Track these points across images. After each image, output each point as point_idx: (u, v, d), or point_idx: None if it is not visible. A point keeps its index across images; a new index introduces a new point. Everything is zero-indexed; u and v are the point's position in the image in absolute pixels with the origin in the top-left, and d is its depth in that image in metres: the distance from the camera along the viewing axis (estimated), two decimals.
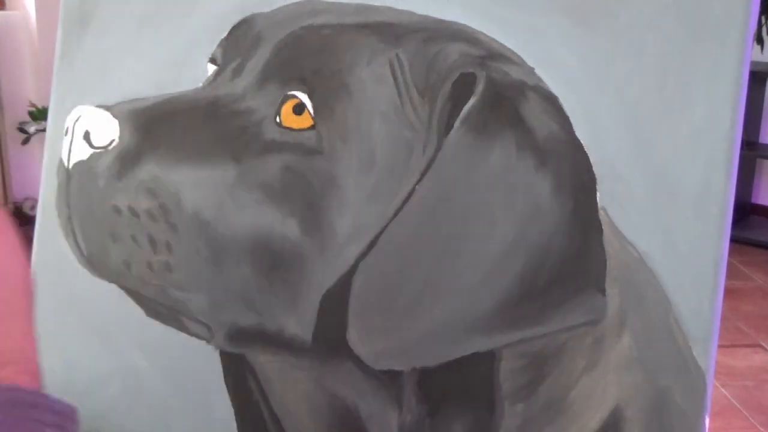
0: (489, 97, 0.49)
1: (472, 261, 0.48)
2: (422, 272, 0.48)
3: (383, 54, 0.50)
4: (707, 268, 0.51)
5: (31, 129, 3.72)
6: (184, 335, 0.52)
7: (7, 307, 0.46)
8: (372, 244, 0.48)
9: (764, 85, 4.04)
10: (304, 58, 0.50)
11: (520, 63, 0.52)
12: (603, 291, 0.50)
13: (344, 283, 0.48)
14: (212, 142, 0.49)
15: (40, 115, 3.67)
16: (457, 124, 0.48)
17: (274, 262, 0.48)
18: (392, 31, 0.51)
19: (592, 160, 0.51)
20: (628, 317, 0.52)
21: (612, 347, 0.52)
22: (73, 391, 0.55)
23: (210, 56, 0.56)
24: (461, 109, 0.48)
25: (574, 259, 0.49)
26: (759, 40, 3.58)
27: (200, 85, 0.55)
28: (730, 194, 0.50)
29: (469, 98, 0.49)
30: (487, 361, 0.50)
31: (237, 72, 0.52)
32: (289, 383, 0.54)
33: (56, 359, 0.58)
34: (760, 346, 3.01)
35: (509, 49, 0.53)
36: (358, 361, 0.49)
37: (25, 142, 3.74)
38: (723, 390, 2.62)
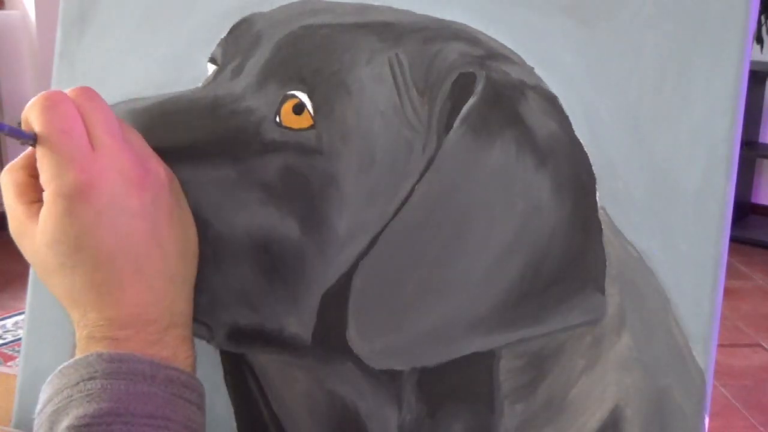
0: (489, 97, 0.49)
1: (471, 260, 0.48)
2: (422, 272, 0.48)
3: (383, 53, 0.50)
4: (707, 267, 0.51)
5: None
6: None
7: (168, 259, 0.47)
8: (372, 244, 0.48)
9: (764, 85, 4.04)
10: (304, 57, 0.50)
11: (519, 63, 0.52)
12: (602, 290, 0.50)
13: (344, 282, 0.48)
14: (212, 142, 0.49)
15: None
16: (456, 123, 0.48)
17: (273, 262, 0.48)
18: (392, 31, 0.51)
19: (591, 160, 0.51)
20: (628, 317, 0.52)
21: (611, 347, 0.52)
22: None
23: (210, 56, 0.56)
24: (461, 109, 0.48)
25: (573, 258, 0.49)
26: (759, 39, 3.58)
27: (200, 84, 0.55)
28: (729, 194, 0.50)
29: (468, 98, 0.49)
30: (486, 360, 0.50)
31: (236, 72, 0.52)
32: (288, 382, 0.54)
33: (55, 359, 0.58)
34: (760, 345, 3.02)
35: (509, 48, 0.53)
36: (357, 361, 0.49)
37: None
38: (723, 390, 2.63)
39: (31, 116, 0.46)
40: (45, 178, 0.45)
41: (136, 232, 0.45)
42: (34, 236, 0.46)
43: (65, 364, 0.45)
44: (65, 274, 0.46)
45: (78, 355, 0.45)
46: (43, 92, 0.47)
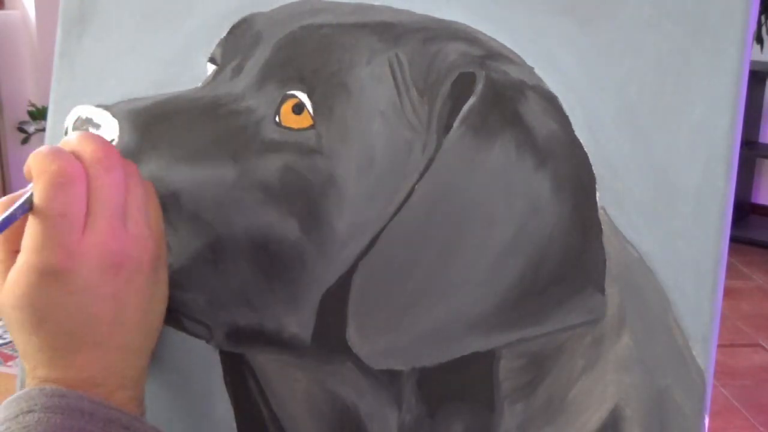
0: (488, 97, 0.49)
1: (471, 260, 0.48)
2: (422, 272, 0.48)
3: (383, 53, 0.50)
4: (707, 267, 0.50)
5: (31, 128, 3.73)
6: (183, 335, 0.52)
7: (129, 334, 0.47)
8: (371, 244, 0.48)
9: (764, 85, 4.04)
10: (304, 57, 0.50)
11: (519, 62, 0.52)
12: (602, 290, 0.50)
13: (344, 282, 0.48)
14: (211, 142, 0.49)
15: (39, 114, 3.68)
16: (456, 123, 0.48)
17: (273, 262, 0.48)
18: (392, 31, 0.51)
19: (591, 160, 0.51)
20: (628, 317, 0.52)
21: (611, 347, 0.52)
22: None
23: (209, 56, 0.56)
24: (461, 109, 0.48)
25: (573, 258, 0.49)
26: (759, 39, 3.58)
27: (200, 84, 0.55)
28: (730, 194, 0.50)
29: (468, 98, 0.49)
30: (486, 360, 0.50)
31: (236, 71, 0.52)
32: (288, 383, 0.54)
33: None
34: (760, 345, 3.02)
35: (509, 48, 0.53)
36: (357, 361, 0.49)
37: (25, 141, 3.74)
38: (723, 390, 2.63)
39: (37, 182, 0.44)
40: (26, 244, 0.44)
41: (101, 315, 0.45)
42: (1, 285, 0.45)
43: (11, 397, 0.45)
44: (22, 332, 0.46)
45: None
46: (60, 161, 0.44)
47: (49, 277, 0.44)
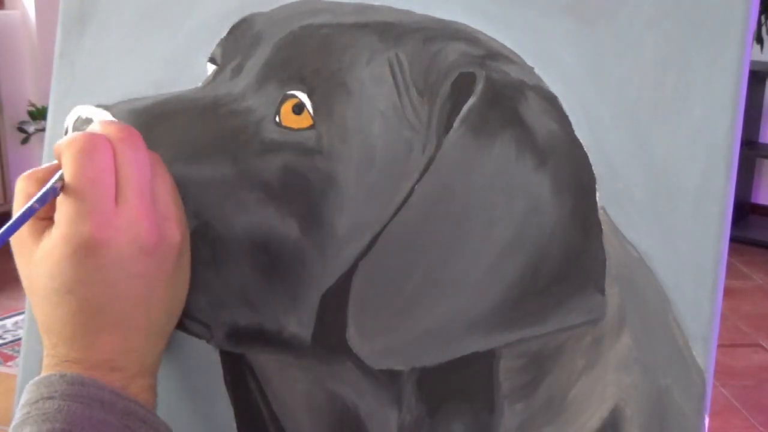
0: (488, 97, 0.49)
1: (471, 260, 0.48)
2: (422, 272, 0.48)
3: (383, 53, 0.50)
4: (707, 267, 0.50)
5: (31, 128, 3.73)
6: (183, 335, 0.52)
7: (154, 315, 0.47)
8: (372, 244, 0.48)
9: (764, 85, 4.04)
10: (304, 57, 0.50)
11: (519, 62, 0.52)
12: (602, 290, 0.50)
13: (344, 282, 0.48)
14: (211, 142, 0.49)
15: (39, 114, 3.68)
16: (456, 123, 0.48)
17: (273, 262, 0.48)
18: (392, 31, 0.51)
19: (591, 160, 0.51)
20: (628, 317, 0.52)
21: (611, 347, 0.52)
22: None
23: (209, 56, 0.56)
24: (461, 109, 0.48)
25: (573, 258, 0.49)
26: (759, 39, 3.58)
27: (199, 84, 0.55)
28: (729, 194, 0.50)
29: (468, 98, 0.49)
30: (486, 360, 0.50)
31: (236, 71, 0.52)
32: (288, 383, 0.54)
33: None
34: (760, 345, 3.02)
35: (509, 48, 0.53)
36: (357, 361, 0.49)
37: (25, 141, 3.74)
38: (723, 390, 2.63)
39: (65, 157, 0.45)
40: (59, 218, 0.45)
41: (129, 293, 0.46)
42: (31, 255, 0.46)
43: (32, 380, 0.46)
44: (48, 303, 0.46)
45: (43, 374, 0.46)
46: (84, 134, 0.45)
47: (82, 250, 0.44)
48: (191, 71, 0.58)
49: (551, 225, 0.48)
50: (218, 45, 0.56)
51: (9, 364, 2.76)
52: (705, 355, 0.51)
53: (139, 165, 0.46)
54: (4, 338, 2.94)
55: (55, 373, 0.45)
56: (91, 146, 0.45)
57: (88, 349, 0.45)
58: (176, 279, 0.47)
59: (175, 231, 0.46)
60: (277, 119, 0.49)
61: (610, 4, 0.52)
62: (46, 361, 0.46)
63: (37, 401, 0.44)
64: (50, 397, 0.44)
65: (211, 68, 0.55)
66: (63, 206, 0.45)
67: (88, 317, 0.45)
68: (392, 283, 0.48)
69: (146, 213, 0.45)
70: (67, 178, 0.44)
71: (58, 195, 0.45)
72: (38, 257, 0.45)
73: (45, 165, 0.48)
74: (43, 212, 0.46)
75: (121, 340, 0.46)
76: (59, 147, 0.46)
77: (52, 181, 0.45)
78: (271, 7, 0.56)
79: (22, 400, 0.45)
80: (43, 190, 0.45)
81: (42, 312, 0.46)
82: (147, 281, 0.46)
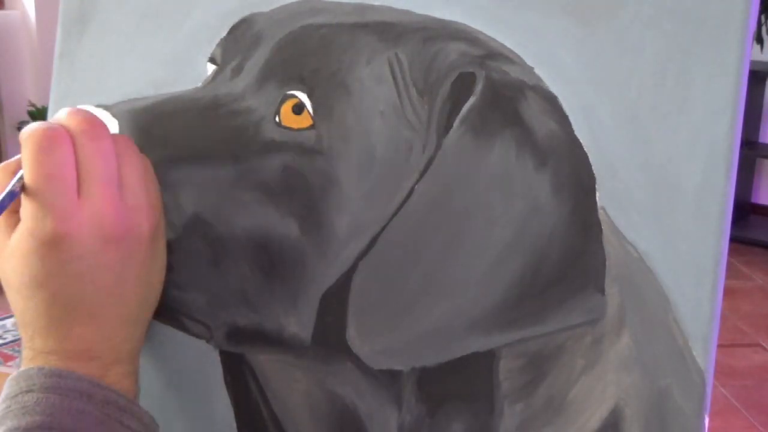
0: (488, 97, 0.49)
1: (471, 260, 0.48)
2: (422, 272, 0.48)
3: (382, 53, 0.50)
4: (707, 267, 0.50)
5: None
6: (183, 335, 0.52)
7: (128, 305, 0.47)
8: (372, 244, 0.48)
9: (764, 85, 4.05)
10: (304, 57, 0.50)
11: (519, 62, 0.52)
12: (602, 290, 0.50)
13: (344, 282, 0.48)
14: (211, 142, 0.49)
15: (39, 114, 3.68)
16: (456, 123, 0.48)
17: (273, 262, 0.48)
18: (391, 31, 0.51)
19: (591, 160, 0.51)
20: (628, 317, 0.52)
21: (611, 347, 0.52)
22: None
23: (209, 56, 0.56)
24: (461, 109, 0.48)
25: (573, 258, 0.49)
26: (759, 39, 3.58)
27: (200, 84, 0.55)
28: (729, 194, 0.50)
29: (468, 98, 0.49)
30: (486, 360, 0.50)
31: (236, 71, 0.52)
32: (288, 383, 0.54)
33: None
34: (760, 345, 3.02)
35: (509, 48, 0.53)
36: (357, 361, 0.49)
37: None
38: (723, 390, 2.63)
39: (23, 154, 0.45)
40: (23, 213, 0.45)
41: (99, 283, 0.46)
42: (3, 249, 0.46)
43: (11, 375, 0.46)
44: (21, 297, 0.46)
45: (22, 367, 0.46)
46: (43, 127, 0.45)
47: (47, 244, 0.44)
48: (191, 71, 0.58)
49: (551, 225, 0.48)
50: (218, 45, 0.55)
51: (9, 364, 2.76)
52: (705, 355, 0.51)
53: (101, 155, 0.45)
54: (4, 338, 2.94)
55: (34, 366, 0.45)
56: (47, 142, 0.44)
57: (64, 340, 0.46)
58: (150, 267, 0.47)
59: (143, 220, 0.46)
60: (277, 119, 0.49)
61: (610, 4, 0.52)
62: (24, 354, 0.47)
63: (16, 395, 0.44)
64: (29, 390, 0.44)
65: (211, 68, 0.55)
66: (26, 202, 0.45)
67: (60, 309, 0.45)
68: (392, 283, 0.48)
69: (111, 204, 0.45)
70: (26, 177, 0.44)
71: (19, 195, 0.45)
72: (8, 251, 0.45)
73: (16, 157, 0.47)
74: (15, 205, 0.46)
75: (95, 329, 0.46)
76: (20, 140, 0.46)
77: (13, 181, 0.45)
78: (271, 7, 0.56)
79: (3, 395, 0.45)
80: (6, 190, 0.45)
81: (17, 306, 0.46)
82: (117, 271, 0.46)
